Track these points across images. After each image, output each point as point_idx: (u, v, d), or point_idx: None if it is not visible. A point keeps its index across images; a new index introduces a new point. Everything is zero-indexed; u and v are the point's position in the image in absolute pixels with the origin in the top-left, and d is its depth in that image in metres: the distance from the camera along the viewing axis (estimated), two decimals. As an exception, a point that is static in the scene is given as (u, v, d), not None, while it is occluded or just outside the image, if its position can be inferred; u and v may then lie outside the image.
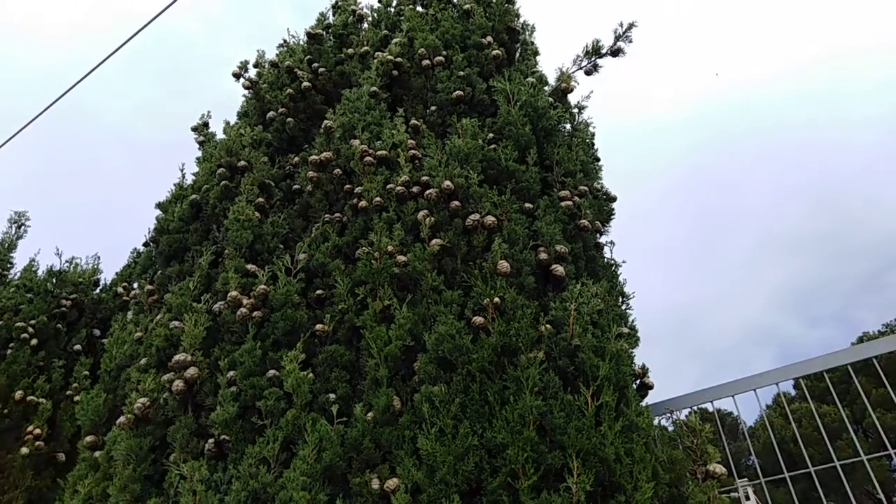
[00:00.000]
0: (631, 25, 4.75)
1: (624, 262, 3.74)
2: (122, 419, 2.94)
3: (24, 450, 4.60)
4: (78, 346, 5.62)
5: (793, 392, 21.72)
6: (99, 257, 6.57)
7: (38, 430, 4.74)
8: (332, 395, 2.76)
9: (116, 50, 4.98)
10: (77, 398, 4.91)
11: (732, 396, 3.09)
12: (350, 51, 4.89)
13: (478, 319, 2.71)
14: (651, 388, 3.13)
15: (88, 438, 3.23)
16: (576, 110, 4.60)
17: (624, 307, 3.46)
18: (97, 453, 3.10)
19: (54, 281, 6.07)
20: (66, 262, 6.33)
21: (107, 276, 6.49)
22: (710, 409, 3.28)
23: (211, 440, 2.75)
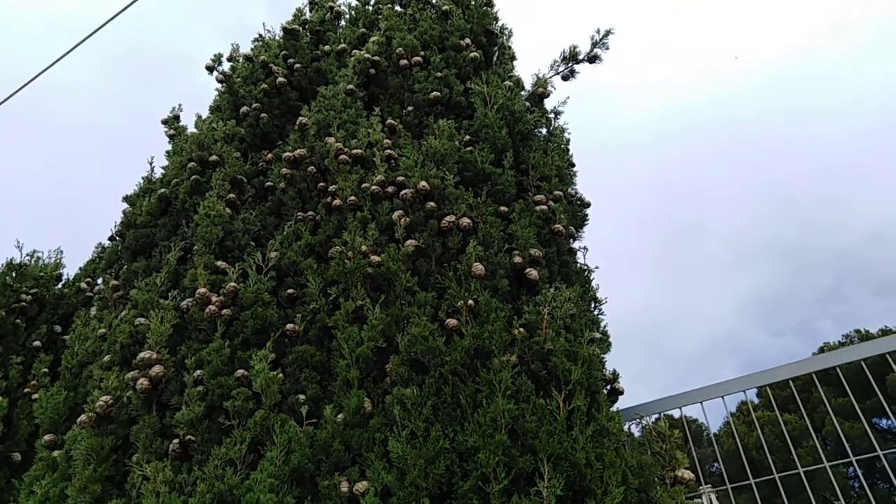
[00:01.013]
0: (608, 32, 4.80)
1: (597, 267, 3.78)
2: (83, 417, 2.85)
3: (-22, 449, 4.44)
4: (37, 343, 5.44)
5: (756, 400, 22.20)
6: (62, 251, 6.38)
7: (-8, 429, 4.57)
8: (302, 396, 2.72)
9: (83, 41, 4.86)
10: (35, 396, 4.76)
11: (701, 403, 3.13)
12: (327, 48, 4.85)
13: (451, 321, 2.70)
14: (621, 393, 3.15)
15: (47, 437, 3.13)
16: (552, 115, 4.64)
17: (596, 312, 3.49)
18: (56, 453, 3.00)
19: (14, 274, 5.87)
20: (28, 255, 6.14)
21: (70, 270, 6.31)
22: (676, 416, 3.32)
23: (176, 440, 2.68)
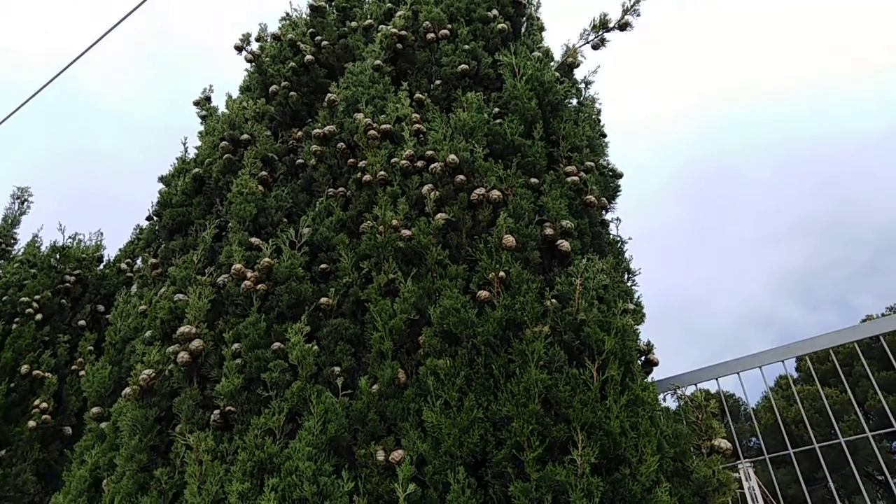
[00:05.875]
0: (639, -1, 4.67)
1: (630, 238, 3.73)
2: (127, 390, 2.95)
3: (32, 423, 4.64)
4: (82, 322, 5.64)
5: (795, 375, 21.80)
6: (102, 233, 6.58)
7: (44, 404, 4.77)
8: (337, 368, 2.76)
9: (110, 30, 4.89)
10: (82, 373, 4.94)
11: (738, 373, 3.08)
12: (353, 24, 4.83)
13: (483, 293, 2.70)
14: (656, 364, 3.12)
15: (94, 409, 3.24)
16: (582, 85, 4.56)
17: (630, 283, 3.45)
18: (103, 424, 3.12)
19: (58, 257, 6.07)
20: (70, 238, 6.34)
21: (109, 252, 6.50)
22: (713, 391, 3.28)
23: (216, 411, 2.75)
